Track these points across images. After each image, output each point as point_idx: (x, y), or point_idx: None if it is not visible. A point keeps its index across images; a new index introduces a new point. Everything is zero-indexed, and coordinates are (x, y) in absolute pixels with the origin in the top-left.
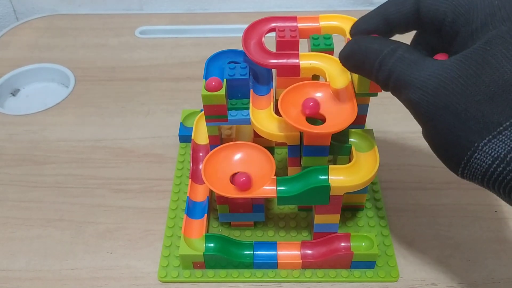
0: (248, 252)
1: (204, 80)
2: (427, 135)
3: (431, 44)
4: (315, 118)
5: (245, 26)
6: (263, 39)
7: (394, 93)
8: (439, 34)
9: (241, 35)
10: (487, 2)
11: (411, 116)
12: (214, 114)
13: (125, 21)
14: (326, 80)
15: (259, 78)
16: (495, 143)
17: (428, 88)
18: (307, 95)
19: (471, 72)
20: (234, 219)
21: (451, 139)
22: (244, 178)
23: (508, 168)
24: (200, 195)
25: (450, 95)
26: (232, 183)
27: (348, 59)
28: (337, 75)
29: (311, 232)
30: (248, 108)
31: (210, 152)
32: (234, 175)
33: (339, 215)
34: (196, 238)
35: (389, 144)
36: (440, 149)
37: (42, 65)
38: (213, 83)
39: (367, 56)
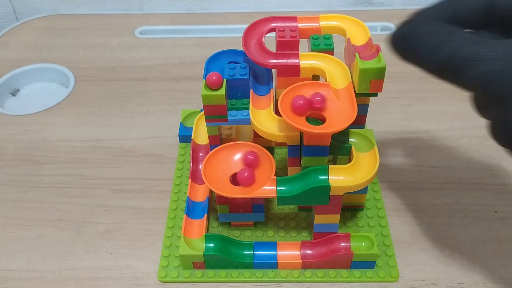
0: (248, 252)
1: (204, 80)
2: (497, 112)
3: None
4: (315, 118)
5: (245, 26)
6: (263, 39)
7: (453, 75)
8: (503, 30)
9: (241, 35)
10: None
11: (411, 116)
12: (214, 114)
13: (125, 21)
14: (326, 80)
15: (259, 78)
16: None
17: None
18: (306, 95)
19: None
20: (234, 219)
21: None
22: (247, 173)
23: None
24: (200, 195)
25: None
26: (234, 181)
27: (400, 40)
28: (337, 75)
29: (311, 232)
30: (248, 108)
31: (210, 152)
32: (233, 175)
33: (339, 215)
34: (196, 238)
35: (389, 144)
36: None
37: (42, 65)
38: (214, 78)
39: (422, 36)
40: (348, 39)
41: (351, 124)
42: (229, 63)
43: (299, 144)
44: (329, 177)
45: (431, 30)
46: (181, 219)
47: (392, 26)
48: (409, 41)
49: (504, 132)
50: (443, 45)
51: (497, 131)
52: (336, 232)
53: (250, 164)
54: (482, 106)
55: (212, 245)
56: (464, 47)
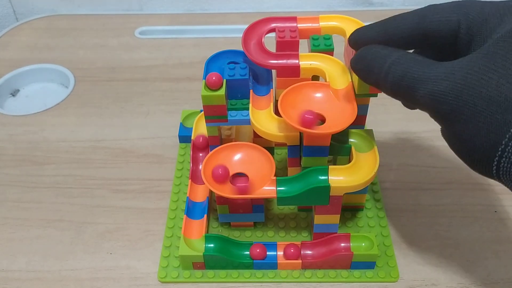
0: (248, 253)
1: (204, 80)
2: (452, 132)
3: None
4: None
5: (245, 26)
6: (263, 40)
7: (405, 94)
8: (441, 48)
9: (241, 35)
10: (495, 7)
11: (411, 116)
12: (214, 114)
13: (125, 21)
14: (326, 81)
15: (259, 78)
16: None
17: (455, 77)
18: (307, 96)
19: (499, 60)
20: (234, 219)
21: (485, 127)
22: (243, 185)
23: None
24: (200, 195)
25: (481, 81)
26: (234, 181)
27: (357, 63)
28: (337, 75)
29: (311, 232)
30: (248, 109)
31: (210, 153)
32: (233, 176)
33: (339, 215)
34: (196, 239)
35: (389, 144)
36: (469, 144)
37: (41, 65)
38: (213, 78)
39: (376, 60)
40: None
41: (351, 125)
42: (229, 63)
43: (299, 144)
44: (329, 177)
45: (384, 53)
46: (181, 219)
47: None
48: (365, 65)
49: (461, 149)
50: (394, 66)
51: (455, 147)
52: (336, 233)
53: (241, 190)
54: None
55: (212, 245)
56: (412, 68)
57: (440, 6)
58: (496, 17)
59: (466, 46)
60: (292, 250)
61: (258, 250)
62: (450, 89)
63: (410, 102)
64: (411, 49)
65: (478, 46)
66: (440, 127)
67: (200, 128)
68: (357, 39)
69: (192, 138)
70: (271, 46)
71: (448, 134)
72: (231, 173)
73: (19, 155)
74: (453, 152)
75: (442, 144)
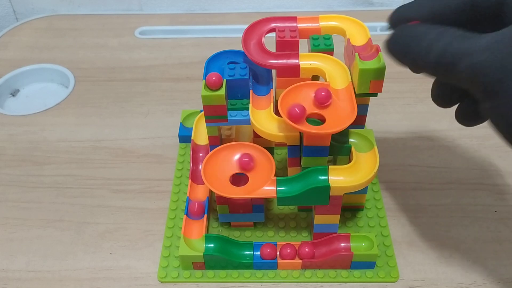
0: (248, 253)
1: (204, 80)
2: (496, 106)
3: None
4: (315, 118)
5: (245, 26)
6: (263, 40)
7: (447, 70)
8: (489, 21)
9: (240, 35)
10: None
11: (411, 116)
12: (213, 114)
13: (124, 21)
14: (326, 81)
15: (259, 78)
16: None
17: (498, 46)
18: (307, 96)
19: None
20: (234, 219)
21: None
22: (247, 159)
23: None
24: (200, 195)
25: None
26: (234, 181)
27: (394, 44)
28: (337, 75)
29: (311, 232)
30: (248, 109)
31: (210, 153)
32: (233, 176)
33: (339, 215)
34: (196, 239)
35: (389, 144)
36: (510, 117)
37: (41, 65)
38: (213, 78)
39: (414, 38)
40: (348, 39)
41: (351, 124)
42: (229, 63)
43: (299, 144)
44: (329, 178)
45: (422, 31)
46: (181, 219)
47: None
48: (403, 44)
49: (505, 125)
50: (434, 43)
51: (498, 124)
52: (336, 233)
53: (245, 167)
54: (445, 97)
55: (212, 245)
56: (453, 43)
57: None
58: None
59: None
60: (289, 251)
61: (269, 250)
62: (493, 59)
63: (451, 79)
64: (458, 26)
65: None
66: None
67: (200, 128)
68: (401, 16)
69: (192, 138)
70: (271, 46)
71: (489, 107)
72: (231, 174)
73: (19, 155)
74: (461, 152)
75: (442, 144)
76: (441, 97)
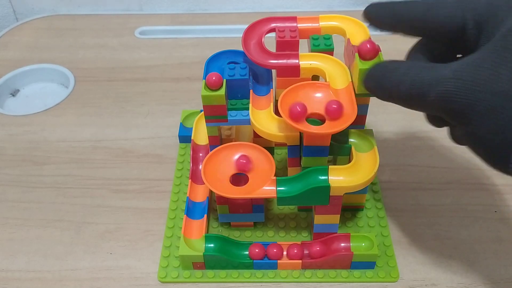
0: (248, 253)
1: (204, 80)
2: (468, 131)
3: (434, 50)
4: (315, 118)
5: (245, 26)
6: (263, 40)
7: (418, 102)
8: (451, 42)
9: (241, 35)
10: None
11: (411, 117)
12: (214, 114)
13: (124, 21)
14: (326, 81)
15: (259, 78)
16: None
17: (464, 75)
18: (307, 96)
19: (509, 54)
20: (234, 219)
21: (500, 123)
22: (244, 161)
23: None
24: (200, 195)
25: (491, 77)
26: (234, 181)
27: (368, 82)
28: (337, 75)
29: (311, 232)
30: (248, 109)
31: (210, 153)
32: (233, 176)
33: (339, 215)
34: (196, 239)
35: (389, 144)
36: (484, 141)
37: (41, 65)
38: (213, 78)
39: (385, 75)
40: (348, 39)
41: (351, 124)
42: (229, 63)
43: (299, 144)
44: (329, 177)
45: (393, 66)
46: (181, 219)
47: None
48: (376, 80)
49: (478, 147)
50: (404, 76)
51: (476, 149)
52: (336, 232)
53: (243, 168)
54: (435, 121)
55: (212, 245)
56: (421, 74)
57: (448, 0)
58: (504, 9)
59: (475, 41)
60: (289, 251)
61: (257, 250)
62: (459, 87)
63: (424, 109)
64: (419, 36)
65: (487, 39)
66: (448, 128)
67: (200, 128)
68: (370, 14)
69: (192, 138)
70: (271, 46)
71: (464, 133)
72: (231, 173)
73: (19, 155)
74: (461, 152)
75: (442, 144)
76: (431, 122)
